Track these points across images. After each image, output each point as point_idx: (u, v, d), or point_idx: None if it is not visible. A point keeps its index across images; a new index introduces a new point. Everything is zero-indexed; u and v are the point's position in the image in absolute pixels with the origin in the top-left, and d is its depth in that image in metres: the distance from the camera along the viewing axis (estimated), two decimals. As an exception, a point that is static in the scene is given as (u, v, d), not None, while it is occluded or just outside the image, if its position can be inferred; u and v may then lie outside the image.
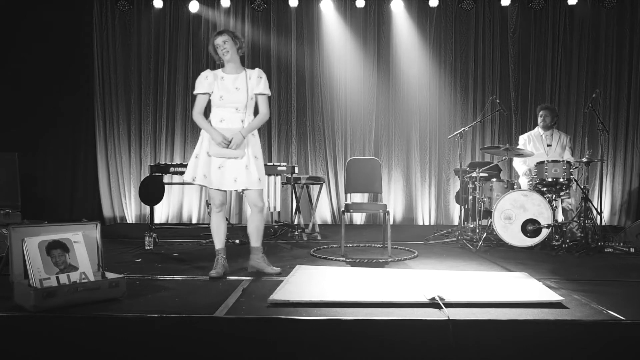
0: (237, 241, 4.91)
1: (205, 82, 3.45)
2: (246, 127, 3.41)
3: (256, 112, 3.53)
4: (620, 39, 6.86)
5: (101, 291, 2.67)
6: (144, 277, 3.39)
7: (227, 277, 3.40)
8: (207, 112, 3.52)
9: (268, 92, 3.52)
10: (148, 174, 5.61)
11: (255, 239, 3.53)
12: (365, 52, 7.02)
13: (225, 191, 3.47)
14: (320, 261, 4.10)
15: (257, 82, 3.46)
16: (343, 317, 2.42)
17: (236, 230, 5.33)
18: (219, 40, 3.43)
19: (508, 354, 2.35)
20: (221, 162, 3.38)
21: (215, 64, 3.63)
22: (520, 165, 5.54)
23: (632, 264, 4.08)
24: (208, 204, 6.81)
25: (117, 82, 7.03)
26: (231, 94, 3.41)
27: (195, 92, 3.49)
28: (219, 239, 3.51)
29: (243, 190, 3.44)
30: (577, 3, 6.77)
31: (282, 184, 5.25)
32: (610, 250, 4.60)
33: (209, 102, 3.50)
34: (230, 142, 3.33)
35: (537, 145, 5.44)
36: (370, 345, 2.36)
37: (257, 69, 3.54)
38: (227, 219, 5.34)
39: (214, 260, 3.49)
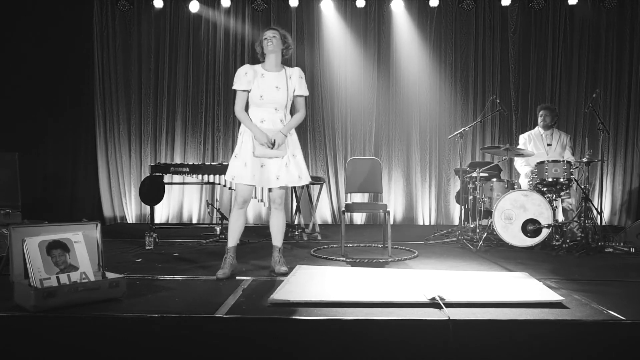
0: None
1: (245, 78, 3.41)
2: (286, 126, 3.43)
3: (292, 111, 3.55)
4: (620, 39, 6.86)
5: (101, 291, 2.67)
6: (144, 277, 3.39)
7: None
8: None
9: (307, 93, 3.55)
10: (148, 174, 5.61)
11: (274, 238, 3.60)
12: (365, 52, 7.02)
13: (253, 190, 3.52)
14: (320, 261, 4.10)
15: (299, 82, 3.48)
16: (343, 317, 2.42)
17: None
18: (269, 33, 3.44)
19: (508, 354, 2.35)
20: (263, 161, 3.41)
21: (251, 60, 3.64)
22: (522, 167, 5.54)
23: (632, 264, 4.08)
24: (208, 204, 6.83)
25: (117, 82, 7.04)
26: (271, 93, 3.40)
27: (235, 87, 3.45)
28: (233, 236, 3.49)
29: (274, 188, 3.47)
30: (577, 3, 6.77)
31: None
32: (611, 250, 4.59)
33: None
34: (274, 143, 3.35)
35: (538, 145, 5.43)
36: (370, 345, 2.36)
37: (297, 68, 3.53)
38: (226, 218, 5.37)
39: (222, 259, 3.48)
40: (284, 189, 3.54)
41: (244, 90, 3.43)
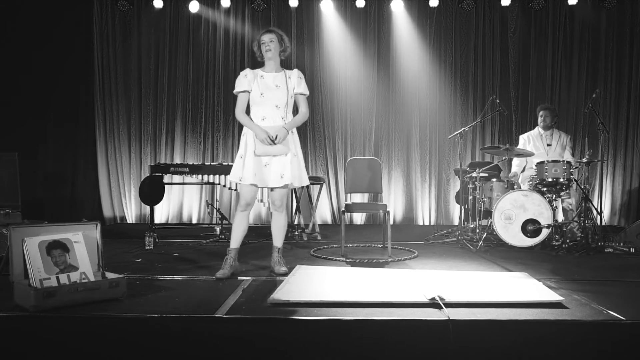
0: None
1: (245, 80, 3.47)
2: (289, 123, 3.46)
3: (294, 111, 3.57)
4: (620, 39, 6.86)
5: (101, 291, 2.67)
6: (144, 277, 3.39)
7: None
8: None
9: (307, 92, 3.59)
10: (148, 174, 5.61)
11: (275, 239, 3.61)
12: (365, 52, 7.02)
13: (257, 192, 3.51)
14: (320, 261, 4.10)
15: (298, 82, 3.52)
16: (343, 317, 2.42)
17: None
18: (265, 38, 3.47)
19: (508, 354, 2.35)
20: (267, 160, 3.42)
21: (255, 62, 3.66)
22: (514, 167, 5.62)
23: (632, 264, 4.08)
24: (208, 204, 6.83)
25: (117, 82, 7.03)
26: (271, 91, 3.44)
27: (236, 91, 3.52)
28: (235, 238, 3.50)
29: (280, 187, 3.45)
30: (577, 3, 6.77)
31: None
32: (611, 250, 4.59)
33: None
34: (275, 138, 3.36)
35: (537, 145, 5.44)
36: (370, 345, 2.36)
37: (296, 70, 3.59)
38: (226, 218, 5.37)
39: (223, 260, 3.48)
40: (286, 189, 3.53)
41: (244, 91, 3.47)
